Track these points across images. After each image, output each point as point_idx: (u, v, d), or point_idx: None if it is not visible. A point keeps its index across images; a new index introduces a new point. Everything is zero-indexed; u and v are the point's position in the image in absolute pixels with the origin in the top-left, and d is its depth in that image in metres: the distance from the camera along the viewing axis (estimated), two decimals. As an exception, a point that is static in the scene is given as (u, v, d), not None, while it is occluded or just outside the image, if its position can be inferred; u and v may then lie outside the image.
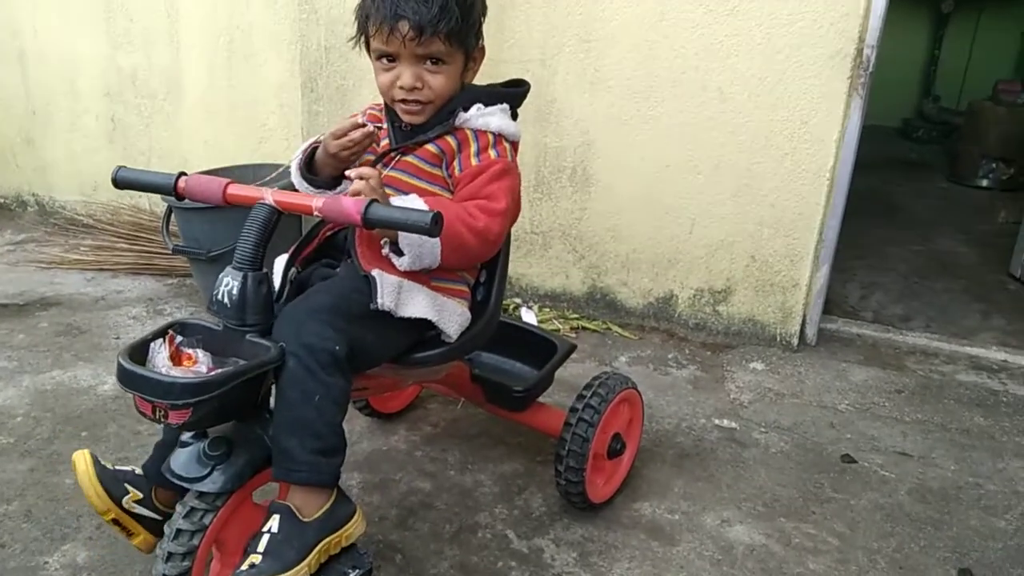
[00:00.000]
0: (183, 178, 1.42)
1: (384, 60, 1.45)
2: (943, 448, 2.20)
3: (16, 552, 1.67)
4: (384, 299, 1.40)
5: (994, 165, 5.19)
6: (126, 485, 1.44)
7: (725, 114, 2.51)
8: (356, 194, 1.35)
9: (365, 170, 1.36)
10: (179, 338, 1.31)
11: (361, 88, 2.64)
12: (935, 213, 4.64)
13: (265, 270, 1.36)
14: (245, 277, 1.32)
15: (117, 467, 1.46)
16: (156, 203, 3.40)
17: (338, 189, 1.54)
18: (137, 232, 3.29)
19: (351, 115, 1.54)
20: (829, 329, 2.85)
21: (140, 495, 1.44)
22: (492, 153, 1.48)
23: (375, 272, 1.42)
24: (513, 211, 1.50)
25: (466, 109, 1.47)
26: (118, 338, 2.65)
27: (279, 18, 2.96)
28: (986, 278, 3.55)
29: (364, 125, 1.46)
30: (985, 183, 5.20)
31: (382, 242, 1.45)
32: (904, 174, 5.52)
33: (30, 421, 2.14)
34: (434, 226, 1.23)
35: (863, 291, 3.32)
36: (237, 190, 1.38)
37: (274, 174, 2.35)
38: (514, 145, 1.54)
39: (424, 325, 1.47)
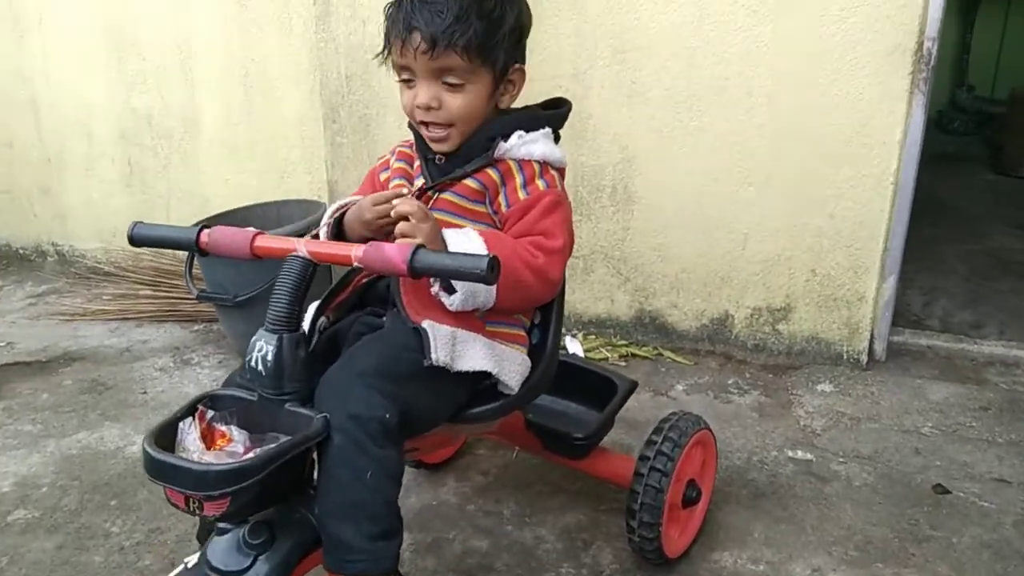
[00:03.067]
0: (205, 232, 1.28)
1: (405, 77, 1.31)
2: (1045, 472, 2.01)
3: (44, 647, 1.53)
4: (438, 353, 1.25)
5: (1042, 155, 4.96)
6: None
7: (775, 121, 2.34)
8: (400, 234, 1.21)
9: (407, 205, 1.21)
10: (210, 413, 1.17)
11: (385, 117, 2.50)
12: (985, 208, 4.42)
13: (303, 330, 1.22)
14: (280, 339, 1.19)
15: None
16: (178, 246, 3.28)
17: None
18: (159, 278, 3.17)
19: (394, 185, 1.40)
20: (897, 342, 2.66)
21: None
22: (540, 184, 1.32)
23: (426, 324, 1.27)
24: (570, 247, 1.35)
25: (506, 138, 1.32)
26: (145, 392, 2.52)
27: (295, 48, 2.84)
28: (1052, 276, 3.34)
29: (405, 195, 1.31)
30: (1033, 174, 4.97)
31: (431, 280, 1.29)
32: (946, 168, 5.28)
33: (56, 491, 2.01)
34: (490, 273, 1.08)
35: (925, 297, 3.12)
36: (266, 242, 1.24)
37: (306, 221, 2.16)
38: (561, 172, 1.39)
39: (481, 376, 1.32)
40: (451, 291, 1.26)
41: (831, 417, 2.28)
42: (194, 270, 2.79)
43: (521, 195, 1.32)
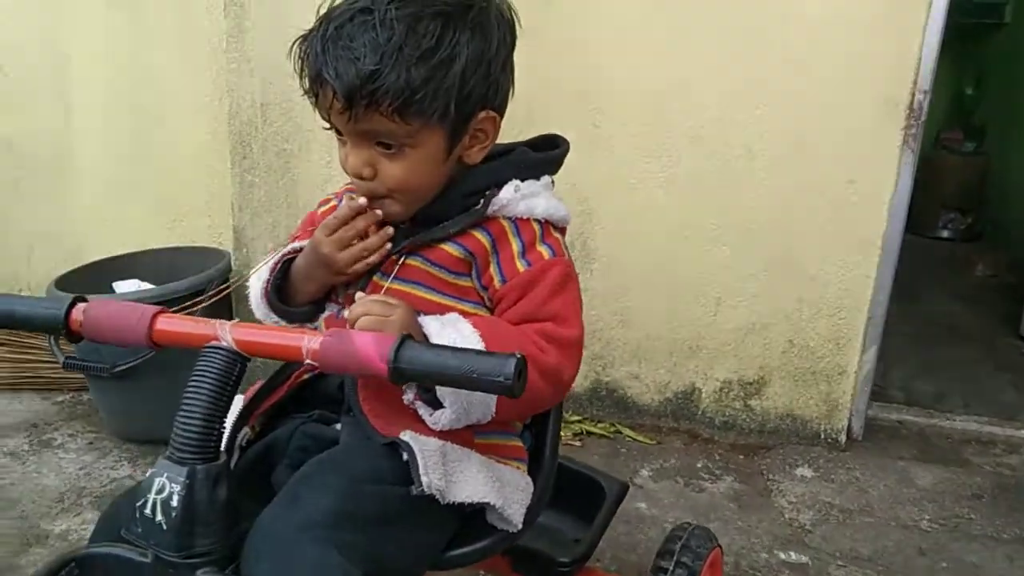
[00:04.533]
0: (80, 308, 0.88)
1: (336, 131, 0.96)
2: (1064, 575, 1.80)
3: None
4: (431, 476, 0.89)
5: (952, 215, 5.04)
6: None
7: (754, 174, 2.11)
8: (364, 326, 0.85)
9: (360, 305, 0.88)
10: (76, 591, 0.76)
11: (309, 154, 2.12)
12: (909, 267, 4.39)
13: (223, 458, 0.83)
14: (192, 476, 0.80)
15: None
16: (43, 294, 2.74)
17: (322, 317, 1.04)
18: (15, 336, 2.62)
19: (344, 191, 1.04)
20: (868, 416, 2.45)
21: None
22: (544, 250, 0.98)
23: (406, 435, 0.91)
24: (583, 334, 1.01)
25: (498, 189, 0.98)
26: (-11, 487, 2.00)
27: (199, 68, 2.41)
28: (997, 342, 3.27)
29: (367, 210, 0.96)
30: (946, 234, 5.04)
31: (404, 386, 0.93)
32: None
33: None
34: (517, 381, 0.74)
35: (880, 364, 2.95)
36: (174, 325, 0.86)
37: (216, 291, 1.58)
38: (563, 232, 1.05)
39: (469, 507, 0.96)
40: (435, 402, 0.90)
41: (819, 509, 2.02)
42: (60, 337, 2.23)
43: (520, 266, 0.97)
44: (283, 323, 1.01)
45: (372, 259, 0.96)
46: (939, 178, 5.00)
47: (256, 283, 1.03)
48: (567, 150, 1.08)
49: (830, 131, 2.05)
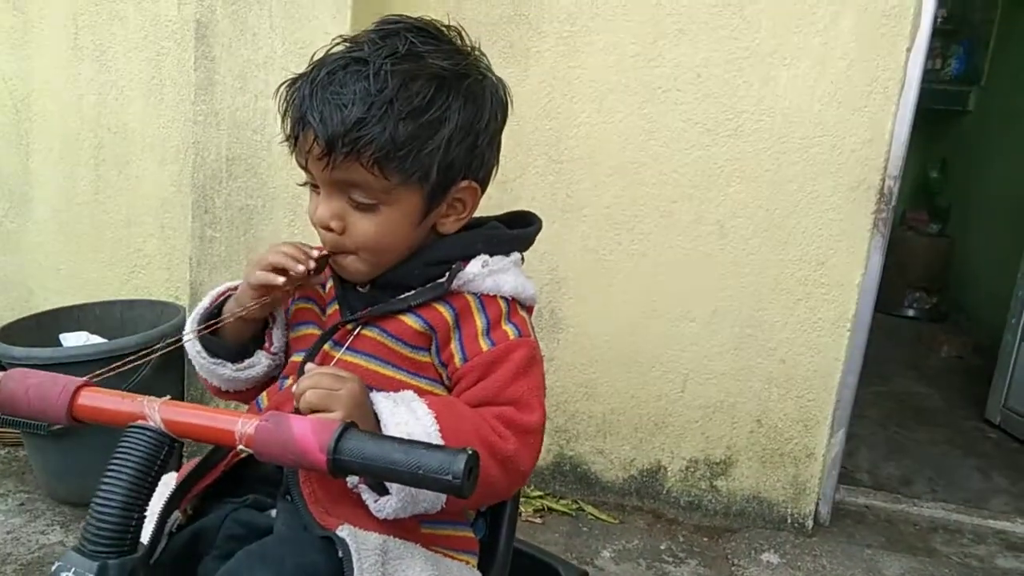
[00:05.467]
0: (-4, 377, 0.80)
1: (309, 180, 0.92)
2: None
3: None
4: None
5: (917, 295, 5.10)
6: None
7: (725, 251, 2.09)
8: (308, 409, 0.79)
9: (307, 379, 0.82)
10: None
11: (272, 211, 2.06)
12: (875, 347, 4.40)
13: (142, 547, 0.75)
14: (103, 571, 0.72)
15: None
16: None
17: (248, 368, 0.98)
18: (-46, 386, 2.49)
19: (297, 308, 1.01)
20: (834, 500, 2.40)
21: None
22: (509, 329, 0.92)
23: (343, 531, 0.84)
24: (544, 422, 0.95)
25: (464, 262, 0.93)
26: (-96, 552, 1.86)
27: (166, 120, 2.36)
28: (963, 425, 3.26)
29: (316, 265, 0.91)
30: (911, 313, 5.09)
31: (347, 474, 0.86)
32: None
33: None
34: (466, 480, 0.68)
35: (847, 446, 2.91)
36: (96, 400, 0.78)
37: (167, 344, 1.44)
38: (529, 311, 1.00)
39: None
40: (381, 488, 0.84)
41: (786, 599, 1.95)
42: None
43: (484, 344, 0.91)
44: (207, 356, 0.97)
45: (275, 280, 0.90)
46: (905, 258, 5.07)
47: (192, 316, 0.98)
48: (539, 228, 1.03)
49: (802, 212, 2.04)
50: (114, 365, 0.93)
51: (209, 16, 2.01)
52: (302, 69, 0.88)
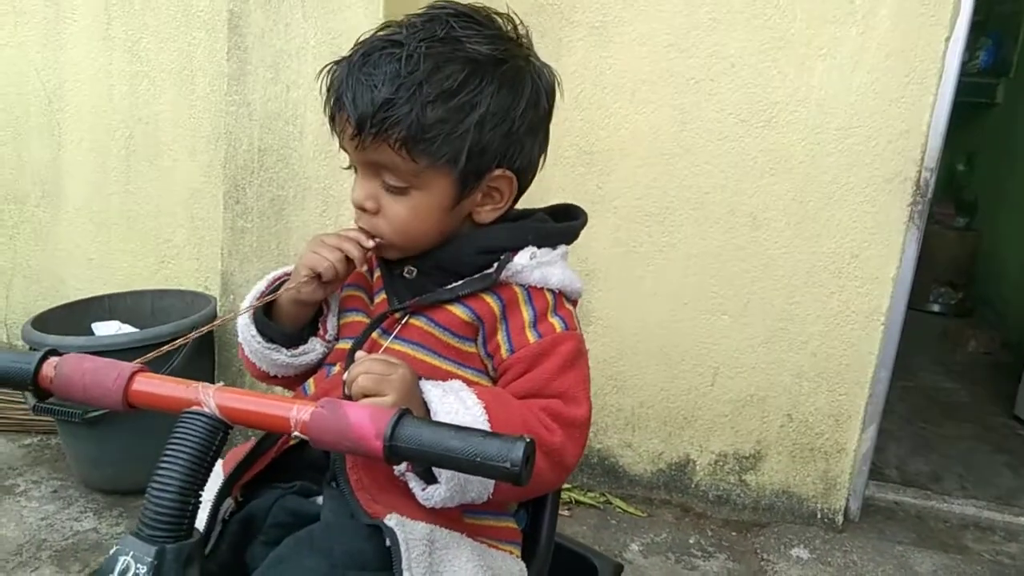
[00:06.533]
0: (52, 362, 0.81)
1: (350, 163, 0.93)
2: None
3: None
4: (413, 567, 0.81)
5: (943, 290, 5.04)
6: None
7: (758, 243, 2.07)
8: (360, 393, 0.79)
9: (360, 364, 0.82)
10: None
11: (304, 202, 2.07)
12: (901, 342, 4.36)
13: (198, 533, 0.75)
14: (161, 556, 0.72)
15: None
16: (14, 332, 2.64)
17: (303, 355, 0.98)
18: (-13, 374, 2.51)
19: (347, 294, 1.00)
20: (865, 497, 2.38)
21: None
22: (555, 322, 0.92)
23: (392, 520, 0.84)
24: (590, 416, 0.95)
25: (513, 253, 0.92)
26: (-58, 536, 1.88)
27: (197, 110, 2.37)
28: (991, 421, 3.22)
29: (369, 251, 0.91)
30: (936, 308, 5.03)
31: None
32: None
33: None
34: (524, 467, 0.67)
35: (875, 441, 2.89)
36: (153, 386, 0.78)
37: (200, 331, 1.45)
38: (575, 304, 1.00)
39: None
40: (428, 476, 0.84)
41: (816, 594, 1.94)
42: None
43: (530, 336, 0.91)
44: (261, 340, 0.96)
45: (323, 268, 0.90)
46: (931, 252, 5.00)
47: (247, 299, 0.98)
48: (585, 221, 1.03)
49: (836, 205, 2.02)
50: (162, 347, 0.94)
51: (242, 6, 2.01)
52: (333, 59, 0.88)
